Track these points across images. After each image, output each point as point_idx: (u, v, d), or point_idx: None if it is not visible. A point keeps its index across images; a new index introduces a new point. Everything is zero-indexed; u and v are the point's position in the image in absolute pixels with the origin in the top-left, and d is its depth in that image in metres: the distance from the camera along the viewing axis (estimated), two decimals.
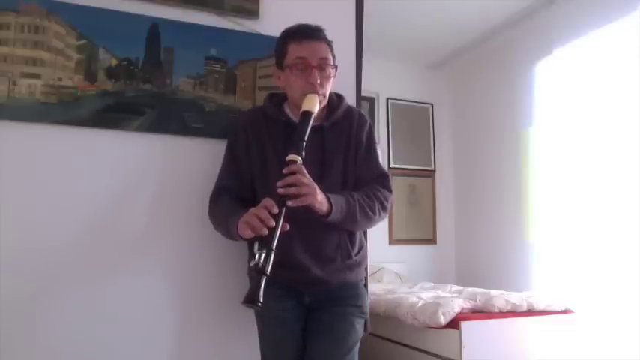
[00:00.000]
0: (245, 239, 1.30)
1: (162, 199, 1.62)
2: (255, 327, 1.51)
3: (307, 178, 1.25)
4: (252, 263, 1.15)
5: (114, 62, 1.60)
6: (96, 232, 1.54)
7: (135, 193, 1.60)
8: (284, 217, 1.21)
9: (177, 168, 1.65)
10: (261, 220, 1.18)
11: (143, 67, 1.63)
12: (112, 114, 1.58)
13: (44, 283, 1.48)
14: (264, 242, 1.17)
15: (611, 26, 3.25)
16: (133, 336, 1.55)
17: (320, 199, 1.28)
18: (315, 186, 1.27)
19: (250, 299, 1.11)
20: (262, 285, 1.12)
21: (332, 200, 1.32)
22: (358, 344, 1.47)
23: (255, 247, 1.18)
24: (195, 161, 1.65)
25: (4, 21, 1.49)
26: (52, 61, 1.53)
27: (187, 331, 1.61)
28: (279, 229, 1.19)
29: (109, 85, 1.58)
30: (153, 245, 1.60)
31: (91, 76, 1.57)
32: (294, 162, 1.25)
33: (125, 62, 1.61)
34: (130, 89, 1.61)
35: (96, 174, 1.55)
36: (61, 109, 1.52)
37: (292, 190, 1.23)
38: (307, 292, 1.45)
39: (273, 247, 1.16)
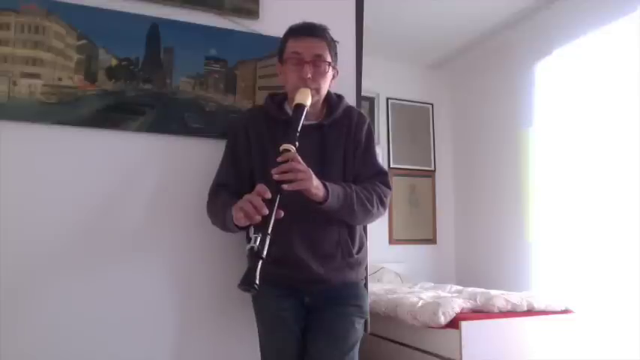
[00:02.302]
0: (241, 228, 1.30)
1: (162, 199, 1.62)
2: (255, 327, 1.51)
3: (302, 165, 1.27)
4: (247, 247, 1.15)
5: (114, 62, 1.60)
6: (96, 231, 1.54)
7: (135, 192, 1.60)
8: (278, 203, 1.21)
9: (177, 168, 1.65)
10: (255, 207, 1.19)
11: (143, 67, 1.63)
12: (112, 114, 1.58)
13: (44, 282, 1.48)
14: (260, 227, 1.18)
15: (611, 26, 3.25)
16: (133, 335, 1.55)
17: (316, 184, 1.29)
18: (311, 172, 1.28)
19: (247, 282, 1.11)
20: (259, 268, 1.12)
21: (328, 187, 1.33)
22: (358, 344, 1.47)
23: (251, 231, 1.19)
24: (195, 161, 1.65)
25: (4, 21, 1.49)
26: (52, 61, 1.53)
27: (187, 330, 1.61)
28: (274, 215, 1.19)
29: (109, 85, 1.58)
30: (153, 245, 1.60)
31: (91, 76, 1.57)
32: (288, 151, 1.27)
33: (125, 62, 1.61)
34: (130, 89, 1.61)
35: (96, 174, 1.56)
36: (61, 109, 1.52)
37: (288, 176, 1.24)
38: (307, 292, 1.45)
39: (269, 232, 1.16)
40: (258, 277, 1.11)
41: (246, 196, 1.23)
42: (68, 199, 1.52)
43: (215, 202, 1.47)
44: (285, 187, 1.23)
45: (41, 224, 1.49)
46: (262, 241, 1.14)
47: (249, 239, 1.17)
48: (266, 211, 1.18)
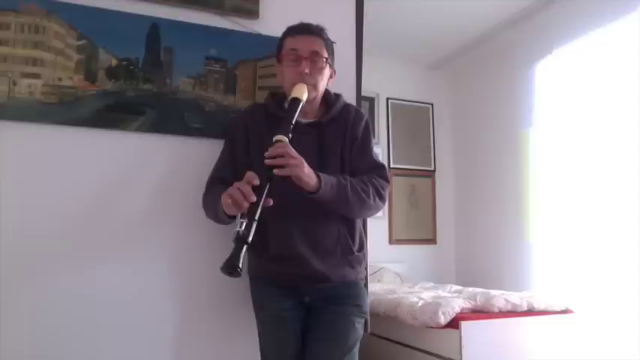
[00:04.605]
0: (231, 218, 1.31)
1: (161, 199, 1.62)
2: (255, 327, 1.51)
3: (294, 152, 1.28)
4: (234, 231, 1.16)
5: (114, 62, 1.60)
6: (96, 232, 1.54)
7: (135, 193, 1.60)
8: (271, 193, 1.23)
9: (177, 168, 1.65)
10: (243, 194, 1.20)
11: (143, 67, 1.63)
12: (112, 114, 1.58)
13: (44, 283, 1.48)
14: (248, 213, 1.19)
15: (611, 26, 3.24)
16: (133, 335, 1.55)
17: (307, 172, 1.30)
18: (302, 160, 1.29)
19: (230, 265, 1.12)
20: (243, 252, 1.13)
21: (321, 176, 1.33)
22: (358, 344, 1.47)
23: (238, 216, 1.20)
24: (195, 161, 1.65)
25: (4, 21, 1.49)
26: (52, 61, 1.53)
27: (187, 330, 1.61)
28: (262, 202, 1.20)
29: (109, 85, 1.59)
30: (153, 245, 1.60)
31: (91, 76, 1.57)
32: (280, 141, 1.28)
33: (125, 62, 1.61)
34: (130, 89, 1.61)
35: (96, 174, 1.56)
36: (61, 109, 1.52)
37: (279, 161, 1.25)
38: (307, 291, 1.46)
39: (256, 218, 1.18)
40: (241, 261, 1.12)
41: (236, 184, 1.24)
42: (68, 199, 1.52)
43: (210, 194, 1.47)
44: (275, 171, 1.24)
45: (41, 224, 1.49)
46: (248, 226, 1.16)
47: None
48: (254, 198, 1.19)
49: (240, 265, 1.12)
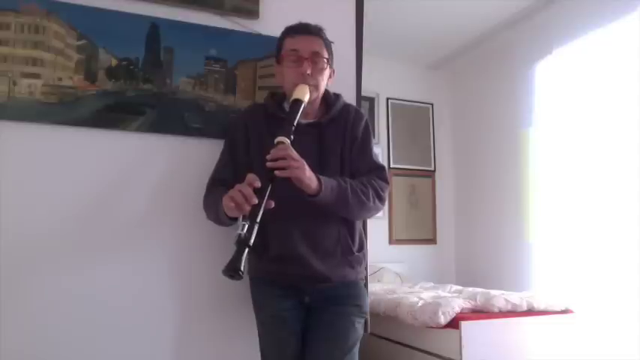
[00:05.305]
0: (232, 220, 1.31)
1: (161, 199, 1.62)
2: (255, 327, 1.51)
3: (296, 155, 1.28)
4: (235, 234, 1.16)
5: (114, 62, 1.60)
6: (96, 232, 1.54)
7: (134, 193, 1.60)
8: (272, 195, 1.23)
9: (177, 168, 1.65)
10: (244, 196, 1.20)
11: (143, 67, 1.63)
12: (112, 114, 1.58)
13: (44, 283, 1.48)
14: (250, 215, 1.19)
15: (611, 26, 3.24)
16: (134, 336, 1.55)
17: (308, 175, 1.30)
18: (304, 162, 1.29)
19: (232, 268, 1.12)
20: (244, 255, 1.13)
21: (322, 179, 1.33)
22: (358, 344, 1.47)
23: (240, 219, 1.21)
24: (195, 161, 1.65)
25: (4, 21, 1.49)
26: (52, 61, 1.53)
27: (187, 330, 1.61)
28: (264, 204, 1.20)
29: (109, 85, 1.59)
30: (152, 246, 1.60)
31: (91, 76, 1.57)
32: (282, 143, 1.28)
33: (125, 62, 1.61)
34: (130, 89, 1.61)
35: (96, 174, 1.56)
36: (61, 109, 1.52)
37: (280, 163, 1.25)
38: (308, 292, 1.46)
39: (257, 220, 1.18)
40: (243, 264, 1.12)
41: (237, 186, 1.25)
42: (68, 199, 1.52)
43: (211, 195, 1.47)
44: (277, 172, 1.24)
45: (41, 224, 1.49)
46: (250, 229, 1.16)
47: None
48: (255, 201, 1.20)
49: (242, 268, 1.12)
